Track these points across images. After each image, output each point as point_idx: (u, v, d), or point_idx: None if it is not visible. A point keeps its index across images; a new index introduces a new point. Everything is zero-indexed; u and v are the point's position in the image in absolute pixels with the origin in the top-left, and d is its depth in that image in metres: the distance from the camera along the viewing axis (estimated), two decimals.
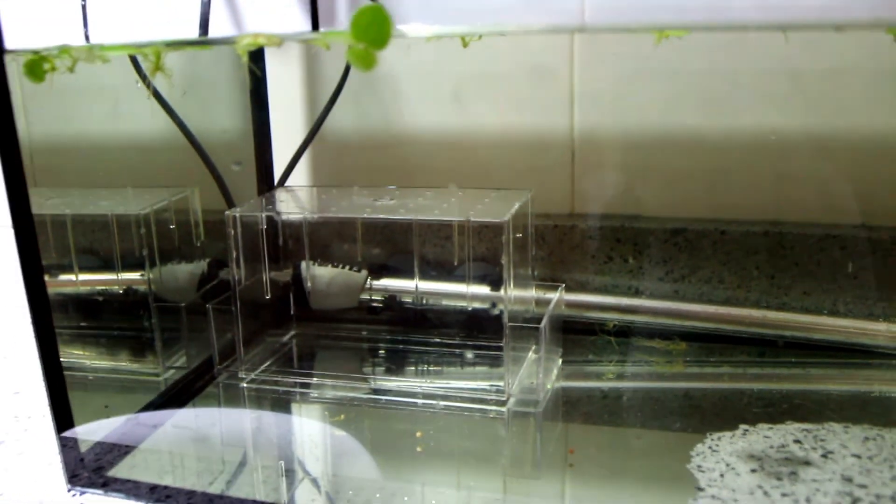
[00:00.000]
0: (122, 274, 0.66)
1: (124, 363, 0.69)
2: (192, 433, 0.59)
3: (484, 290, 0.70)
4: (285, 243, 0.75)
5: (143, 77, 0.63)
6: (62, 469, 0.54)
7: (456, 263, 0.73)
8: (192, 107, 0.69)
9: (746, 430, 0.55)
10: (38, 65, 0.50)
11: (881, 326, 0.66)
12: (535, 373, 0.62)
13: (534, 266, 0.71)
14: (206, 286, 0.72)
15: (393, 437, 0.58)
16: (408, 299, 0.74)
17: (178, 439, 0.58)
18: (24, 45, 0.50)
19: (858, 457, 0.50)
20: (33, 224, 0.52)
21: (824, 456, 0.51)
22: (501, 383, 0.61)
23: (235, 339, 0.66)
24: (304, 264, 0.74)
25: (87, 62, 0.50)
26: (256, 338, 0.71)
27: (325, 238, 0.76)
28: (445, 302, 0.72)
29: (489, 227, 0.70)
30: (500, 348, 0.61)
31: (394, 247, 0.76)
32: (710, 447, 0.53)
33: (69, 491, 0.52)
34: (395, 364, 0.70)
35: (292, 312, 0.75)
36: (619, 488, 0.50)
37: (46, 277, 0.52)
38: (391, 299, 0.74)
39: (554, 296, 0.67)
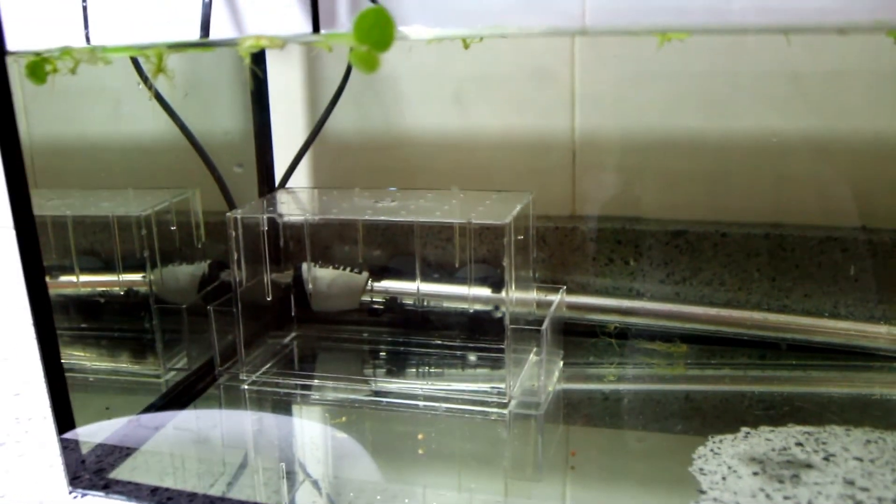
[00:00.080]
0: (123, 275, 0.66)
1: (125, 365, 0.69)
2: (193, 435, 0.59)
3: (485, 292, 0.70)
4: (286, 245, 0.75)
5: (145, 79, 0.63)
6: (63, 471, 0.54)
7: (457, 265, 0.73)
8: (193, 108, 0.69)
9: (748, 433, 0.55)
10: (39, 66, 0.50)
11: (882, 329, 0.66)
12: (537, 375, 0.62)
13: (535, 268, 0.71)
14: (207, 288, 0.72)
15: (394, 439, 0.58)
16: (409, 301, 0.74)
17: (179, 441, 0.58)
18: (25, 46, 0.50)
19: (860, 459, 0.50)
20: (35, 225, 0.52)
21: (826, 459, 0.51)
22: (503, 385, 0.61)
23: (236, 340, 0.66)
24: (305, 266, 0.74)
25: (88, 64, 0.50)
26: (257, 339, 0.71)
27: (327, 240, 0.76)
28: (446, 304, 0.72)
29: (490, 229, 0.70)
30: (501, 350, 0.61)
31: (395, 248, 0.76)
32: (711, 450, 0.53)
33: (70, 493, 0.52)
34: (397, 366, 0.70)
35: (293, 314, 0.75)
36: (621, 491, 0.50)
37: (47, 279, 0.52)
38: (392, 301, 0.74)
39: (555, 298, 0.67)
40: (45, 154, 0.55)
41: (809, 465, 0.50)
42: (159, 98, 0.67)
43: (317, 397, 0.65)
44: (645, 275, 0.72)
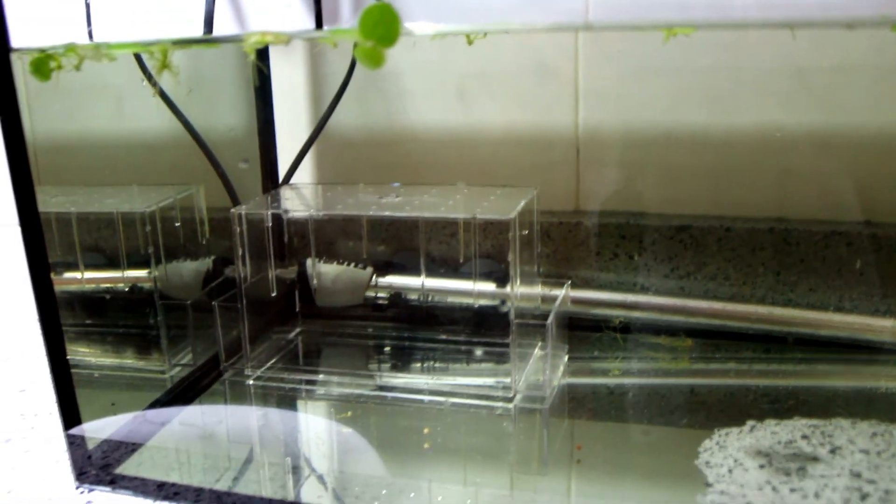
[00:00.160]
0: (128, 271, 0.66)
1: (130, 360, 0.69)
2: (198, 430, 0.59)
3: (490, 287, 0.70)
4: (291, 241, 0.75)
5: (149, 75, 0.63)
6: (70, 466, 0.54)
7: (462, 260, 0.73)
8: (196, 105, 0.69)
9: (754, 426, 0.55)
10: (44, 63, 0.50)
11: (887, 323, 0.66)
12: (542, 369, 0.62)
13: (539, 263, 0.71)
14: (211, 284, 0.72)
15: (399, 433, 0.58)
16: (413, 296, 0.74)
17: (184, 436, 0.58)
18: (29, 43, 0.50)
19: (866, 452, 0.50)
20: (40, 222, 0.52)
21: (832, 451, 0.51)
22: (508, 380, 0.61)
23: (241, 336, 0.66)
24: (309, 262, 0.74)
25: (93, 60, 0.50)
26: (262, 335, 0.71)
27: (331, 235, 0.76)
28: (451, 299, 0.72)
29: (495, 224, 0.70)
30: (506, 345, 0.61)
31: (399, 244, 0.76)
32: (717, 443, 0.53)
33: (77, 488, 0.52)
34: (402, 361, 0.70)
35: (298, 310, 0.75)
36: (627, 484, 0.50)
37: (52, 275, 0.52)
38: (397, 296, 0.74)
39: (560, 292, 0.67)
40: (49, 151, 0.55)
41: (815, 458, 0.50)
42: (163, 95, 0.67)
43: (322, 392, 0.65)
44: (649, 269, 0.72)
